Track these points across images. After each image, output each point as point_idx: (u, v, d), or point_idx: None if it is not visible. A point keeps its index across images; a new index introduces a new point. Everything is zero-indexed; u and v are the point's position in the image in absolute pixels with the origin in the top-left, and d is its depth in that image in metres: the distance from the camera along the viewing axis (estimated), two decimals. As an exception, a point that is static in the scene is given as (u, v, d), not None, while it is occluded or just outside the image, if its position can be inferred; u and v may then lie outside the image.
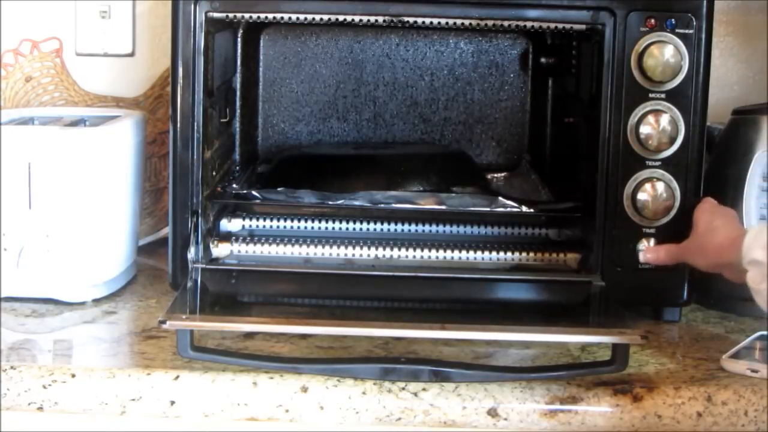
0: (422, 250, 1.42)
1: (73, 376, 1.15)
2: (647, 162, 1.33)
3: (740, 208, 1.38)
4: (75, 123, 1.50)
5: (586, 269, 1.38)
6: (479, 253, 1.42)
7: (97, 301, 1.40)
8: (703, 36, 1.32)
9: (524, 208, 1.42)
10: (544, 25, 1.38)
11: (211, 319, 1.26)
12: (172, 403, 1.15)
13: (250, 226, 1.49)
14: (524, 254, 1.42)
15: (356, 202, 1.42)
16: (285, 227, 1.49)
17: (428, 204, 1.43)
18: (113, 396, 1.15)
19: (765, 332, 1.30)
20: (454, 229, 1.49)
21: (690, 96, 1.32)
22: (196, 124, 1.35)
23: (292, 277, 1.39)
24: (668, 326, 1.37)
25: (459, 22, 1.36)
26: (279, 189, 1.44)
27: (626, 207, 1.33)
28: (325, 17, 1.37)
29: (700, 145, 1.34)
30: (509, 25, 1.37)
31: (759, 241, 1.14)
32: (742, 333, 1.33)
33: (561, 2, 1.33)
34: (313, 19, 1.39)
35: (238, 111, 1.62)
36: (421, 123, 1.73)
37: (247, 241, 1.43)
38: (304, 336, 1.26)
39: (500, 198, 1.43)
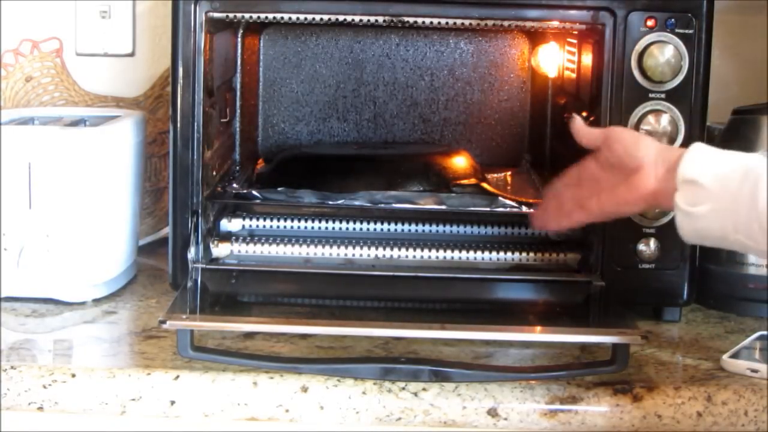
0: (422, 250, 1.42)
1: (73, 376, 1.15)
2: (647, 162, 1.33)
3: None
4: (75, 123, 1.50)
5: (586, 269, 1.38)
6: (479, 253, 1.42)
7: (97, 301, 1.40)
8: (703, 36, 1.32)
9: (524, 208, 1.42)
10: (544, 25, 1.39)
11: (211, 319, 1.26)
12: (172, 403, 1.15)
13: (250, 226, 1.49)
14: (524, 254, 1.42)
15: (356, 202, 1.42)
16: (285, 227, 1.49)
17: (428, 204, 1.43)
18: (113, 396, 1.15)
19: (765, 332, 1.30)
20: (454, 229, 1.49)
21: (690, 96, 1.32)
22: (196, 124, 1.35)
23: (292, 277, 1.39)
24: (668, 326, 1.37)
25: (459, 22, 1.36)
26: (279, 189, 1.44)
27: (626, 207, 1.33)
28: (325, 17, 1.37)
29: (700, 145, 1.34)
30: (509, 25, 1.37)
31: (705, 160, 1.07)
32: (742, 333, 1.33)
33: (561, 2, 1.33)
34: (313, 19, 1.39)
35: (238, 111, 1.62)
36: (421, 123, 1.73)
37: (247, 241, 1.43)
38: (304, 336, 1.26)
39: (500, 198, 1.43)
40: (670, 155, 1.12)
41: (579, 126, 1.23)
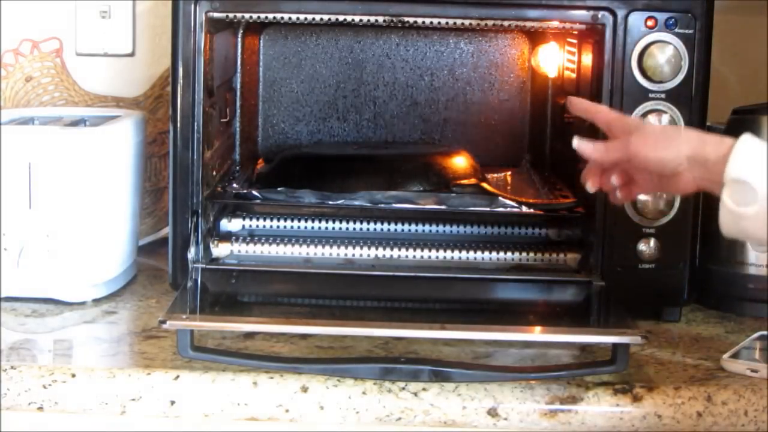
0: (422, 250, 1.42)
1: (73, 376, 1.15)
2: (647, 162, 1.33)
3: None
4: (75, 123, 1.50)
5: (586, 269, 1.38)
6: (479, 253, 1.42)
7: (97, 301, 1.40)
8: (703, 36, 1.32)
9: (524, 208, 1.42)
10: (544, 25, 1.39)
11: (211, 319, 1.26)
12: (172, 403, 1.15)
13: (250, 226, 1.49)
14: (524, 254, 1.42)
15: (356, 202, 1.42)
16: (285, 227, 1.49)
17: (428, 204, 1.43)
18: (113, 396, 1.15)
19: (765, 332, 1.30)
20: (454, 229, 1.49)
21: (690, 96, 1.32)
22: (196, 124, 1.35)
23: (292, 277, 1.39)
24: (668, 326, 1.37)
25: (459, 22, 1.36)
26: (279, 189, 1.44)
27: (626, 207, 1.33)
28: (325, 17, 1.37)
29: (700, 145, 1.33)
30: (509, 25, 1.37)
31: (757, 159, 1.03)
32: (742, 333, 1.33)
33: (561, 2, 1.33)
34: (313, 19, 1.39)
35: (238, 111, 1.62)
36: (421, 123, 1.73)
37: (247, 241, 1.43)
38: (304, 336, 1.26)
39: (500, 198, 1.43)
40: (704, 151, 1.07)
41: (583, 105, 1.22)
